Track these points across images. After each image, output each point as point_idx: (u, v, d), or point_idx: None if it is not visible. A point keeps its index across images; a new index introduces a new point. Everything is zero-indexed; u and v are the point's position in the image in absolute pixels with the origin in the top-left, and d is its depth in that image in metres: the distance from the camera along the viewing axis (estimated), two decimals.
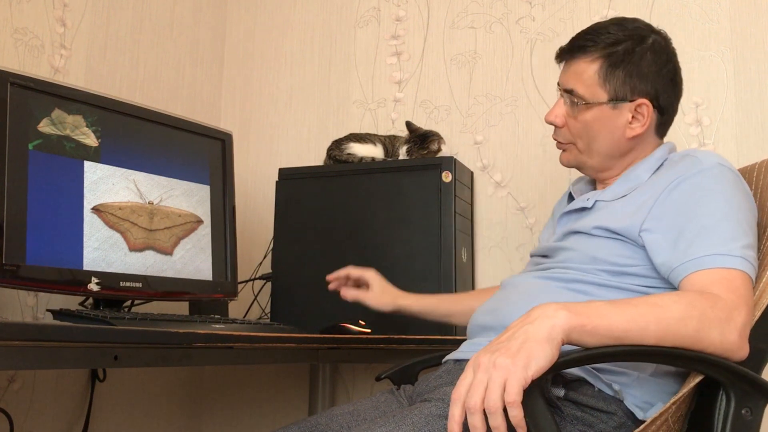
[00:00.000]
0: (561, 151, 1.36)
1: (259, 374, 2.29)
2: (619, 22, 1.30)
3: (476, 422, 0.88)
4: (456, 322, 1.56)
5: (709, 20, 1.89)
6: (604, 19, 1.34)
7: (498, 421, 0.87)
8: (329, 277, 1.64)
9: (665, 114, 1.30)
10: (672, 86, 1.29)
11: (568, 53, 1.31)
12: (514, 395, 0.87)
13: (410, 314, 1.57)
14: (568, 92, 1.30)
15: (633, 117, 1.26)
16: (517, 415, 0.87)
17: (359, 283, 1.62)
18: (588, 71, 1.27)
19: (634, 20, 1.31)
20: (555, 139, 1.36)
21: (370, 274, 1.61)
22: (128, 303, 1.72)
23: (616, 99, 1.26)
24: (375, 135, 2.03)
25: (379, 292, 1.58)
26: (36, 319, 1.72)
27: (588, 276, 1.18)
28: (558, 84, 1.33)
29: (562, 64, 1.33)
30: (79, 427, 1.84)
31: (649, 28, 1.30)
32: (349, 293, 1.60)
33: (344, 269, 1.63)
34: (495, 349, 0.91)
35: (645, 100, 1.26)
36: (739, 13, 1.86)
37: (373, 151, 1.98)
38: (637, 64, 1.25)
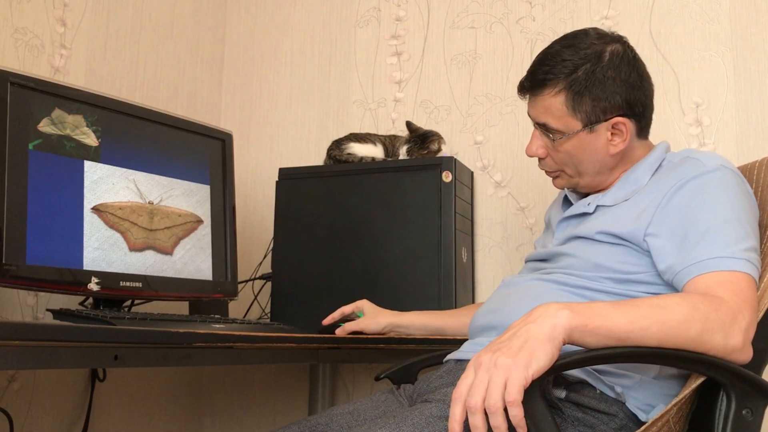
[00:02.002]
0: (553, 177, 1.35)
1: (259, 374, 2.29)
2: (571, 44, 1.25)
3: (477, 422, 0.88)
4: (449, 336, 1.55)
5: (709, 20, 1.89)
6: (594, 24, 1.30)
7: (499, 421, 0.87)
8: (325, 321, 1.63)
9: (643, 118, 1.27)
10: (641, 90, 1.26)
11: (529, 89, 1.29)
12: (515, 394, 0.87)
13: (404, 330, 1.58)
14: (541, 126, 1.28)
15: (612, 134, 1.24)
16: (517, 414, 0.87)
17: (353, 317, 1.63)
18: (555, 104, 1.25)
19: (585, 34, 1.27)
20: (542, 169, 1.35)
21: (362, 303, 1.63)
22: (128, 303, 1.72)
23: (590, 123, 1.24)
24: (375, 135, 2.03)
25: (371, 317, 1.59)
26: (36, 318, 1.72)
27: (592, 283, 1.17)
28: (529, 115, 1.31)
29: (527, 97, 1.30)
30: (79, 427, 1.84)
31: (602, 39, 1.25)
32: (344, 330, 1.59)
33: (338, 310, 1.63)
34: (496, 348, 0.91)
35: (619, 118, 1.23)
36: (739, 13, 1.86)
37: (373, 151, 1.98)
38: (601, 85, 1.22)
